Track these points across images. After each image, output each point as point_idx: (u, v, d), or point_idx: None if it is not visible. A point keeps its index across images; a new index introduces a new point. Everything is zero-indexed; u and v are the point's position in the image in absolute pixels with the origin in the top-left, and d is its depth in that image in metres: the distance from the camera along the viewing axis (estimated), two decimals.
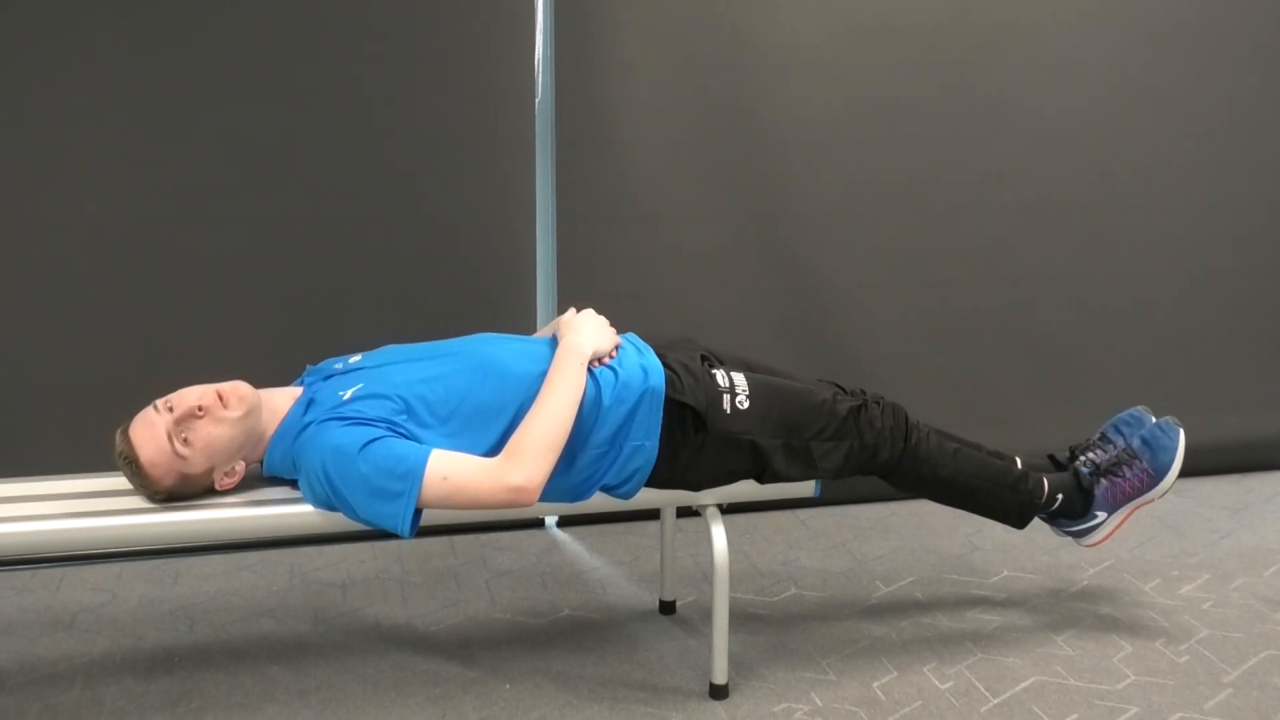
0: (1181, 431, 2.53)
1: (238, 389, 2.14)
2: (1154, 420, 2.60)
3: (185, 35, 2.84)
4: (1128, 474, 2.52)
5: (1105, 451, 2.62)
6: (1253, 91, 3.51)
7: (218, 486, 2.17)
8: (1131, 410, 2.66)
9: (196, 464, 2.10)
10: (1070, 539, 2.64)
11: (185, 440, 2.08)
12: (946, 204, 3.36)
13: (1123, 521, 2.56)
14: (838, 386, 2.44)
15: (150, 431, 2.08)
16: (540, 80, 3.07)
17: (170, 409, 2.09)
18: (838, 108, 3.23)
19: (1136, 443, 2.56)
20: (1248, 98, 3.52)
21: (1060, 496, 2.52)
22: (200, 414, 2.09)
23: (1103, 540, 2.57)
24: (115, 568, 2.97)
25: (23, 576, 2.92)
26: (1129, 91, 3.42)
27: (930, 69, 3.28)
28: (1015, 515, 2.52)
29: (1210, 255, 3.58)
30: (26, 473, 2.41)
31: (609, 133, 3.09)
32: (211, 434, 2.10)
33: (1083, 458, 2.61)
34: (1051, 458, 2.65)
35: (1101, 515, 2.54)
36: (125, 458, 2.10)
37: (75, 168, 2.84)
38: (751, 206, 3.23)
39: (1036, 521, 3.22)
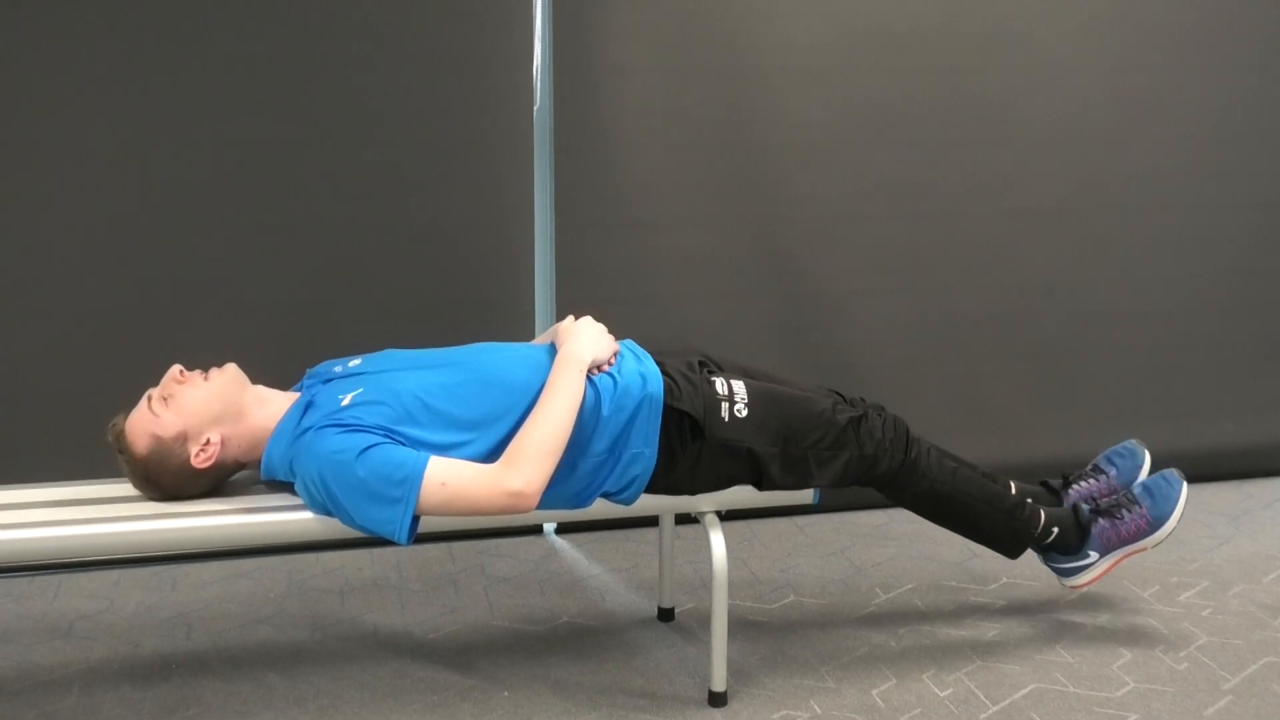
0: (1185, 485, 2.53)
1: (224, 366, 2.23)
2: (1148, 456, 2.60)
3: (183, 41, 2.84)
4: (1126, 517, 2.51)
5: (1097, 481, 2.61)
6: (1248, 95, 3.52)
7: (193, 462, 2.14)
8: (1125, 443, 2.66)
9: (167, 424, 2.12)
10: (1056, 576, 2.61)
11: (163, 401, 2.15)
12: (943, 209, 3.36)
13: (1112, 566, 2.54)
14: (838, 395, 2.44)
15: (140, 404, 2.18)
16: (538, 87, 3.07)
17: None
18: (835, 112, 3.23)
19: (1139, 489, 2.55)
20: (1243, 101, 3.52)
21: (1056, 530, 2.51)
22: (181, 379, 2.17)
23: (1088, 583, 2.56)
24: (113, 574, 2.97)
25: (20, 583, 2.92)
26: (1125, 96, 3.43)
27: (926, 74, 3.28)
28: (1008, 542, 2.51)
29: (1207, 259, 3.58)
30: (24, 479, 2.41)
31: (607, 138, 3.09)
32: (186, 394, 2.15)
33: (1077, 486, 2.61)
34: (1045, 484, 2.65)
35: (1093, 556, 2.53)
36: (113, 425, 2.17)
37: (72, 173, 2.84)
38: (749, 212, 3.23)
39: None
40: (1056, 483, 2.64)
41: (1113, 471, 2.63)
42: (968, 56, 3.30)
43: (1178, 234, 3.55)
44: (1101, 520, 2.52)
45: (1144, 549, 2.53)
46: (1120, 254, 3.52)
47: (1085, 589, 2.71)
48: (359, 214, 3.01)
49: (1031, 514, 2.49)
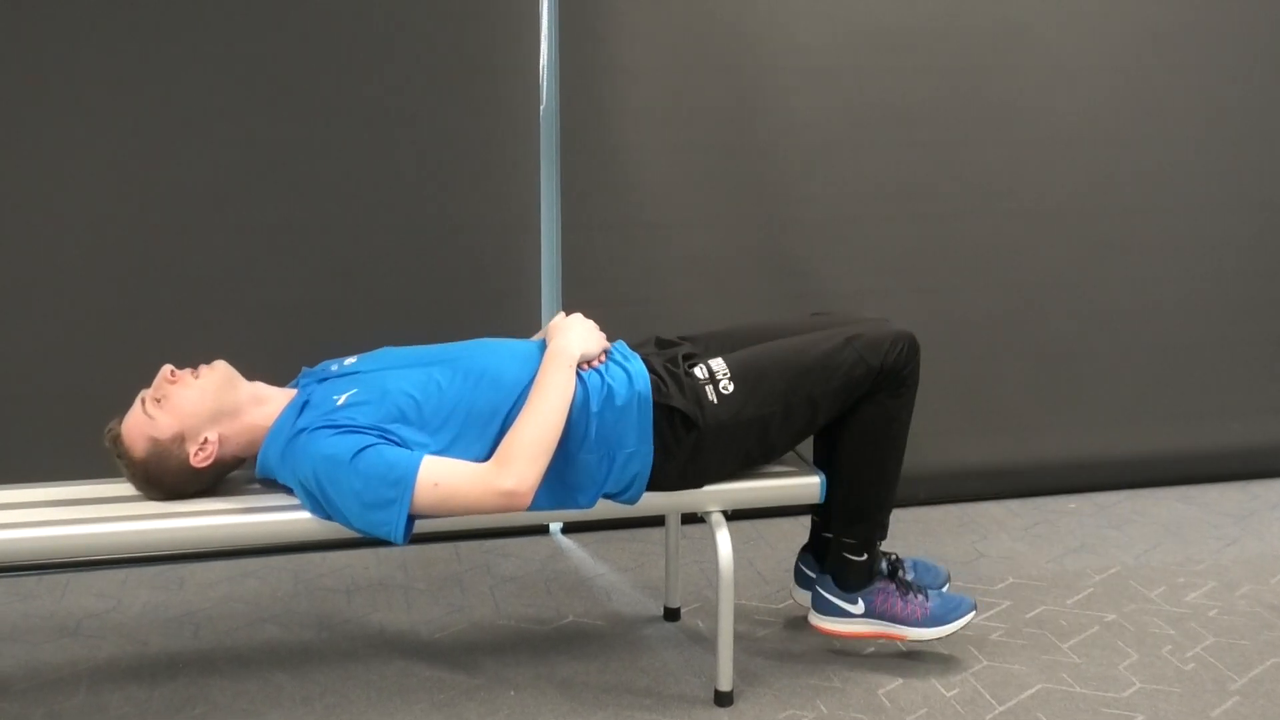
0: (973, 615, 2.45)
1: (213, 363, 2.22)
2: (947, 585, 2.55)
3: (188, 41, 2.84)
4: (911, 596, 2.42)
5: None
6: (1255, 95, 3.51)
7: (193, 462, 2.15)
8: (936, 564, 2.56)
9: (163, 426, 2.13)
10: (813, 607, 2.47)
11: (156, 403, 2.15)
12: (950, 209, 3.36)
13: (867, 634, 2.44)
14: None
15: (134, 407, 2.18)
16: (544, 87, 3.07)
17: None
18: (841, 113, 3.23)
19: (933, 591, 2.46)
20: (1250, 102, 3.51)
21: (865, 557, 2.40)
22: (172, 379, 2.17)
23: (836, 634, 2.45)
24: (120, 574, 2.97)
25: (28, 582, 2.92)
26: (1132, 96, 3.42)
27: (933, 74, 3.27)
28: (867, 525, 2.39)
29: (1215, 260, 3.57)
30: (30, 479, 2.41)
31: (613, 139, 3.09)
32: (180, 394, 2.15)
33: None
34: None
35: (859, 606, 2.42)
36: (109, 430, 2.18)
37: (73, 173, 2.84)
38: (755, 212, 3.22)
39: (1042, 528, 3.22)
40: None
41: (912, 577, 2.54)
42: (973, 57, 3.29)
43: (1184, 234, 3.54)
44: (890, 582, 2.43)
45: (902, 637, 2.42)
46: (1126, 254, 3.51)
47: (831, 637, 2.50)
48: (364, 214, 3.01)
49: (886, 525, 2.42)
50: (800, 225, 3.26)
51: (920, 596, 2.43)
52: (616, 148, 3.10)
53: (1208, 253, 3.57)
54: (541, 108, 3.08)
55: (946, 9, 3.25)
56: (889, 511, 2.42)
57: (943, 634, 2.42)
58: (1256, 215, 3.58)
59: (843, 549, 2.42)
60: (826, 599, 2.46)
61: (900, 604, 2.42)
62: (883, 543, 2.44)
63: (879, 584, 2.43)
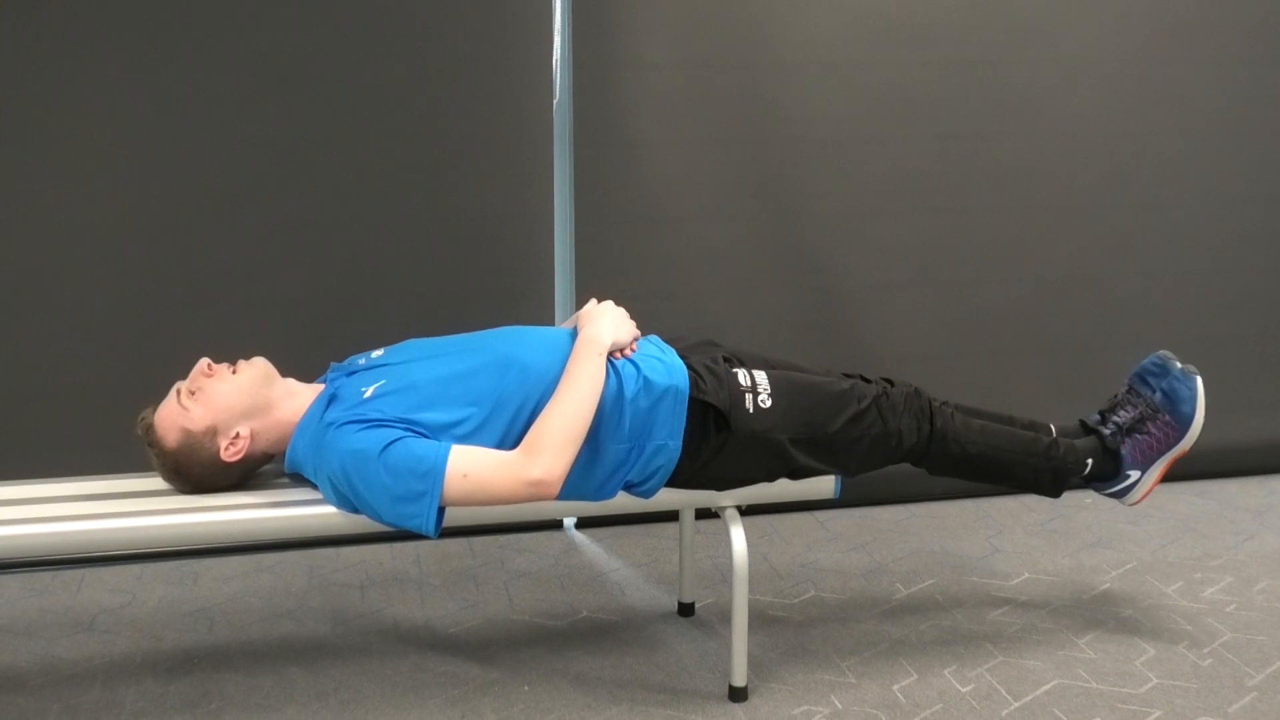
0: (1199, 379, 2.48)
1: (253, 359, 2.24)
2: (1178, 366, 2.55)
3: (203, 37, 2.85)
4: (1152, 430, 2.49)
5: (1135, 407, 2.58)
6: (1273, 88, 3.49)
7: (223, 456, 2.16)
8: (1154, 357, 2.59)
9: (196, 418, 2.14)
10: (1114, 500, 2.63)
11: (191, 395, 2.17)
12: (965, 203, 3.35)
13: (1159, 476, 2.51)
14: (859, 376, 2.42)
15: (169, 397, 2.20)
16: (558, 81, 3.07)
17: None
18: (856, 106, 3.22)
19: (1159, 396, 2.52)
20: (1268, 94, 3.49)
21: (1091, 462, 2.49)
22: (209, 373, 2.19)
23: (1143, 498, 2.54)
24: (135, 569, 2.98)
25: (43, 577, 2.94)
26: (1148, 89, 3.40)
27: (948, 67, 3.26)
28: (1049, 483, 2.49)
29: (1232, 253, 3.55)
30: (47, 474, 2.42)
31: (627, 133, 3.09)
32: (215, 388, 2.17)
33: (1115, 417, 2.58)
34: (1082, 423, 2.62)
35: (1134, 474, 2.51)
36: (142, 418, 2.19)
37: (93, 170, 2.85)
38: (770, 206, 3.22)
39: (1058, 523, 3.21)
40: (1094, 419, 2.59)
41: (1148, 393, 2.57)
42: (989, 50, 3.28)
43: (1201, 228, 3.52)
44: (1128, 440, 2.50)
45: (1183, 452, 2.49)
46: (1144, 248, 3.49)
47: (1145, 500, 2.75)
48: (378, 211, 3.01)
49: (1067, 450, 2.48)
50: (816, 219, 3.25)
51: (1158, 419, 2.50)
52: (630, 142, 3.09)
53: (1225, 246, 3.55)
54: (555, 102, 3.07)
55: (962, 2, 3.23)
56: (1053, 452, 2.47)
57: (1199, 423, 2.47)
58: (1274, 208, 3.56)
59: (1078, 479, 2.52)
60: (1116, 489, 2.54)
61: (1151, 440, 2.49)
62: (1077, 455, 2.49)
63: (1123, 449, 2.50)
